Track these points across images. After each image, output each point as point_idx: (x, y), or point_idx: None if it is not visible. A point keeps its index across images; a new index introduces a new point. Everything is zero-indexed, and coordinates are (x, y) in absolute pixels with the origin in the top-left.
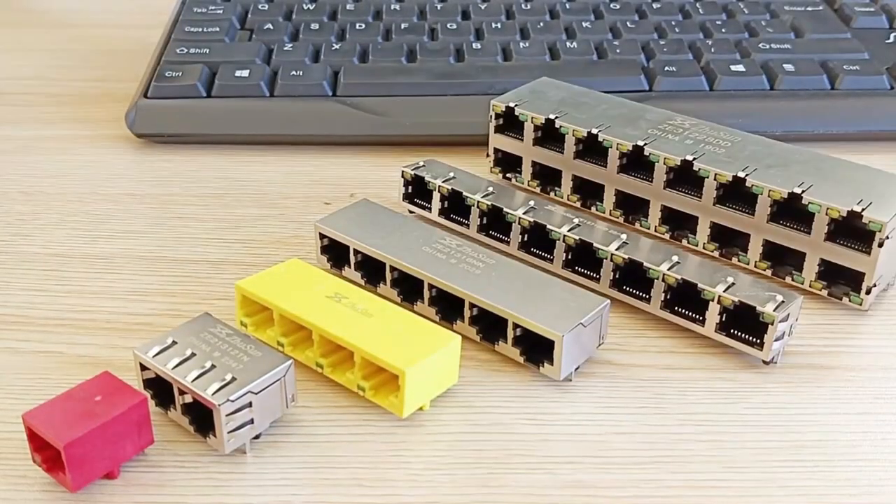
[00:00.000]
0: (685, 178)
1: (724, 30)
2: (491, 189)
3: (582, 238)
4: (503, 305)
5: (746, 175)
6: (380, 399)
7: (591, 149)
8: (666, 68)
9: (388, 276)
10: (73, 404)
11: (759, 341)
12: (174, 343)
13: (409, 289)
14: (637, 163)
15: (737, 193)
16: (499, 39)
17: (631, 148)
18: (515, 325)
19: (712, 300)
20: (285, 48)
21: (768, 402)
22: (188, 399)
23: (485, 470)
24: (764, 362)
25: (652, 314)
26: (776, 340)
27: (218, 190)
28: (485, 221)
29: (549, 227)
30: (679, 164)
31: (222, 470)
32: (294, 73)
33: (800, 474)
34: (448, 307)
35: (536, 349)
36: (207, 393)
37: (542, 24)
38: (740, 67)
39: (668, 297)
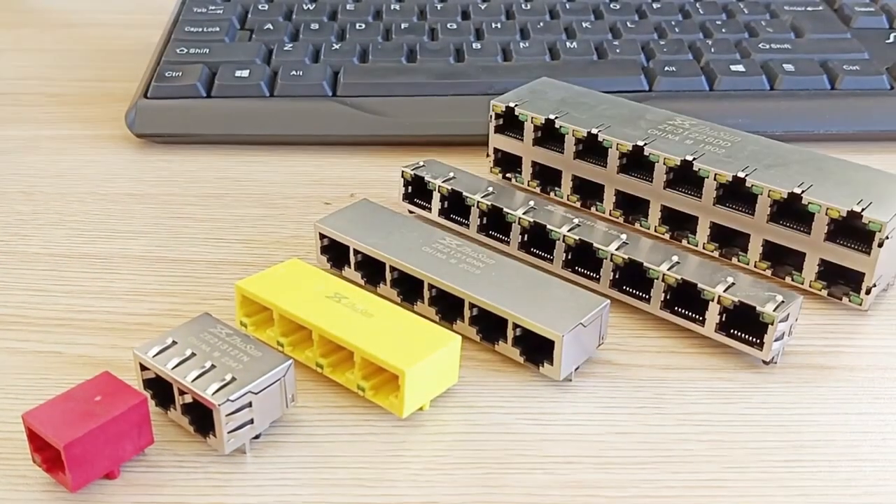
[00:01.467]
0: (685, 178)
1: (723, 30)
2: (491, 189)
3: (582, 238)
4: (503, 305)
5: (746, 175)
6: (380, 399)
7: (591, 149)
8: (666, 68)
9: (388, 276)
10: (73, 404)
11: (759, 341)
12: (174, 343)
13: (408, 289)
14: (637, 163)
15: (736, 193)
16: (499, 39)
17: (631, 148)
18: (515, 325)
19: (712, 300)
20: (285, 48)
21: (768, 402)
22: (188, 399)
23: (485, 470)
24: (764, 362)
25: (652, 314)
26: (776, 341)
27: (218, 190)
28: (485, 222)
29: (548, 227)
30: (679, 164)
31: (222, 470)
32: (294, 73)
33: (800, 474)
34: (448, 307)
35: (536, 349)
36: (207, 393)
37: (542, 24)
38: (740, 67)
39: (668, 297)
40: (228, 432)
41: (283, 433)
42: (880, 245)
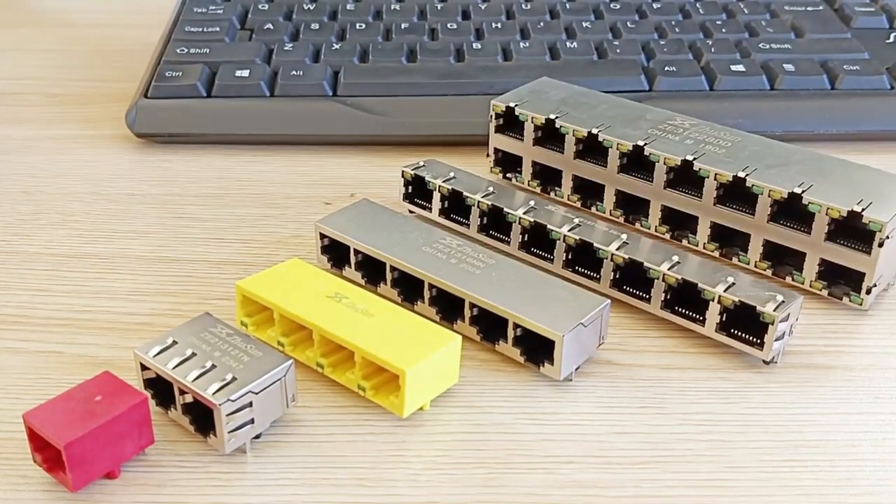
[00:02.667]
0: (685, 177)
1: (724, 30)
2: (491, 189)
3: (582, 238)
4: (503, 305)
5: (746, 175)
6: (380, 399)
7: (592, 149)
8: (666, 68)
9: (389, 276)
10: (74, 404)
11: (759, 341)
12: (174, 343)
13: (409, 289)
14: (637, 163)
15: (737, 193)
16: (499, 39)
17: (631, 148)
18: (516, 325)
19: (712, 300)
20: (285, 48)
21: (768, 402)
22: (188, 399)
23: (485, 470)
24: (764, 362)
25: (652, 314)
26: (776, 340)
27: (218, 190)
28: (485, 221)
29: (549, 226)
30: (679, 163)
31: (223, 470)
32: (294, 73)
33: (800, 474)
34: (448, 307)
35: (537, 349)
36: (208, 393)
37: (542, 24)
38: (740, 67)
39: (669, 296)
40: (229, 432)
41: (283, 433)
42: (881, 245)
